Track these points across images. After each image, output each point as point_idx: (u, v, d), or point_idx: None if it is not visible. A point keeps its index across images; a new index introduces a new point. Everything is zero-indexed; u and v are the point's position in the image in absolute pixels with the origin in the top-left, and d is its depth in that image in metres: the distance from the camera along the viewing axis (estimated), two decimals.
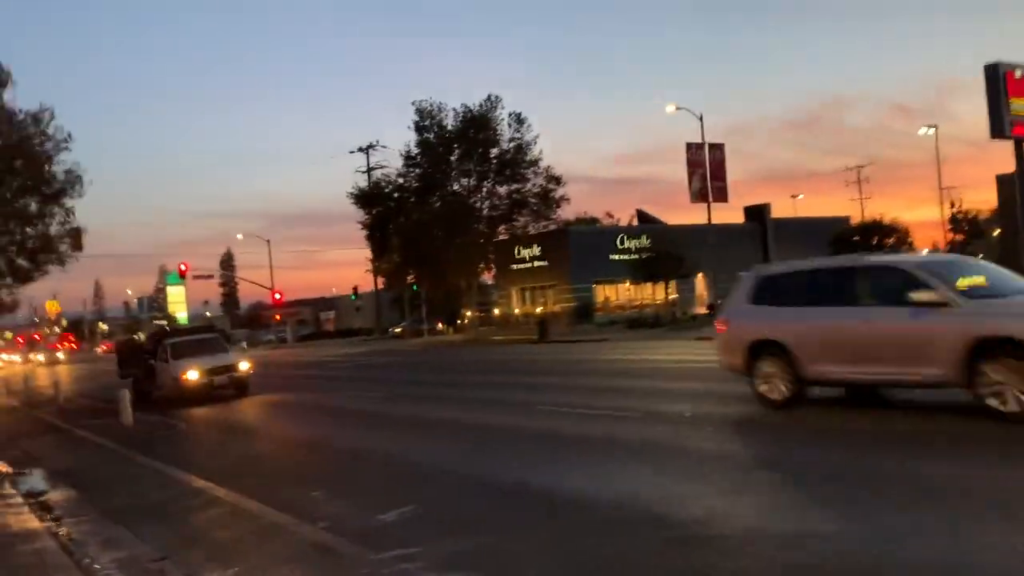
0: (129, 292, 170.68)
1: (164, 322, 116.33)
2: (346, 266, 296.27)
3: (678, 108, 35.00)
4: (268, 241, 66.91)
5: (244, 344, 56.09)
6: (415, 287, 59.50)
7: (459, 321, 62.55)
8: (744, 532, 6.27)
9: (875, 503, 6.72)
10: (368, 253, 61.06)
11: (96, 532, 8.53)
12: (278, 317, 70.41)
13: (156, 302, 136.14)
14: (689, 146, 34.88)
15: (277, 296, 54.52)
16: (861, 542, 5.73)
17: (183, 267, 55.04)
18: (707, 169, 34.96)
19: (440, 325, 64.44)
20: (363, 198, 54.33)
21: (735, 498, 7.33)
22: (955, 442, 8.92)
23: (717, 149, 35.89)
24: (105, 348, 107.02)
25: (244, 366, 22.36)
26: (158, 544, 7.70)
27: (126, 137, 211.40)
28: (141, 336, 47.76)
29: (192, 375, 21.31)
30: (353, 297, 73.95)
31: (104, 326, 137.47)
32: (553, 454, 10.19)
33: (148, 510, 9.47)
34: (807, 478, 7.83)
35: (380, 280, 68.99)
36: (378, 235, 53.77)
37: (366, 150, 64.56)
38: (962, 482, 7.19)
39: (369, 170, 62.91)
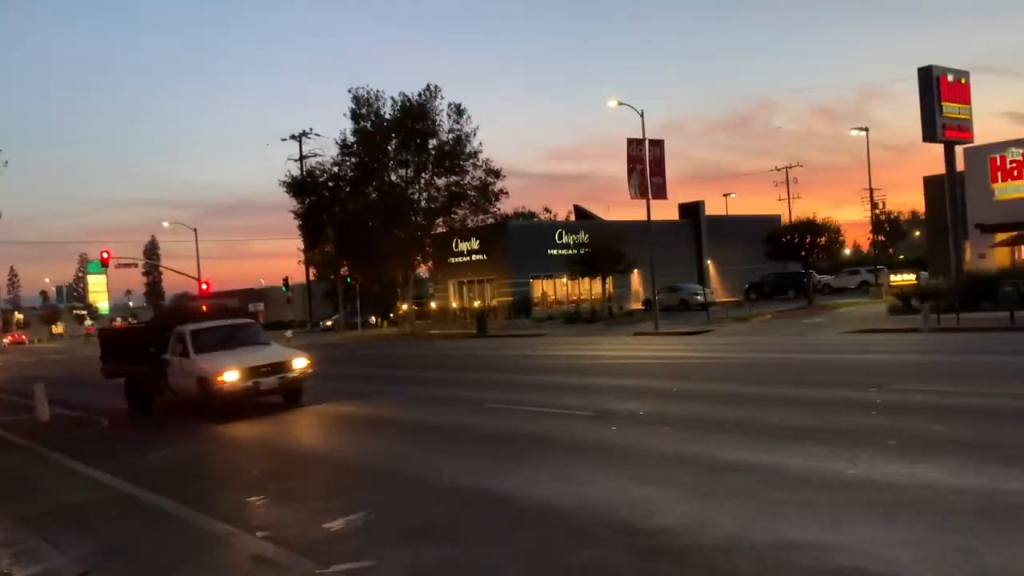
0: (47, 280, 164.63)
1: (84, 312, 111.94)
2: (276, 257, 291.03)
3: (620, 103, 34.91)
4: (195, 230, 64.45)
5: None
6: (349, 279, 58.33)
7: (392, 314, 61.60)
8: (716, 542, 5.95)
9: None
10: (300, 243, 59.57)
11: (9, 543, 7.81)
12: (205, 307, 68.15)
13: (76, 291, 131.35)
14: (630, 142, 34.76)
15: (204, 286, 52.52)
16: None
17: (105, 255, 52.59)
18: (647, 165, 34.93)
19: (374, 318, 63.34)
20: (296, 187, 52.95)
21: (704, 503, 7.02)
22: None
23: (657, 146, 35.89)
24: (11, 340, 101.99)
25: (300, 363, 16.57)
26: (78, 556, 7.08)
27: (48, 120, 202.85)
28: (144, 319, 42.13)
29: (230, 376, 15.45)
30: (284, 288, 72.22)
31: (20, 316, 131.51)
32: (510, 455, 9.78)
33: (68, 517, 8.73)
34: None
35: (312, 271, 67.56)
36: (311, 225, 52.50)
37: (299, 137, 63.10)
38: None
39: (302, 158, 61.48)
